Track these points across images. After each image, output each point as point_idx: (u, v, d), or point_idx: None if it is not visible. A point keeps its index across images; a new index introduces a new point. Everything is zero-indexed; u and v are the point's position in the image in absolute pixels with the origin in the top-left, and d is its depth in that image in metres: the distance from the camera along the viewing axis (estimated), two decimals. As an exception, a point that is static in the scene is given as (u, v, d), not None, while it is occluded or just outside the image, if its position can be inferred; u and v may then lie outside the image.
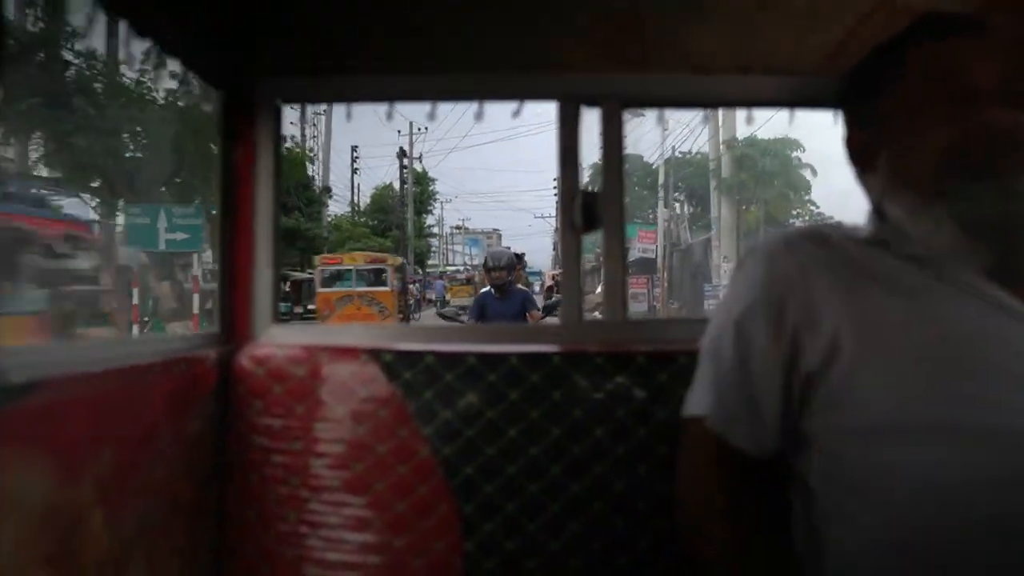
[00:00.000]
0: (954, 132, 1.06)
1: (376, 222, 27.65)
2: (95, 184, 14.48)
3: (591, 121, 1.66)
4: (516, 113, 1.67)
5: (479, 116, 1.67)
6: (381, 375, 1.49)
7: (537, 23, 1.62)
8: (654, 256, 26.78)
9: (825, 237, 1.16)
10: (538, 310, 5.83)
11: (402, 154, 29.06)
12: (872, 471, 1.06)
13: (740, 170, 24.79)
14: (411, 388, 1.49)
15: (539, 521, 1.46)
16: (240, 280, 1.62)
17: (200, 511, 1.43)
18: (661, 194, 28.21)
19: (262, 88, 1.63)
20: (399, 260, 20.96)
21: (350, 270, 18.77)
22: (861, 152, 1.19)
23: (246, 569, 1.49)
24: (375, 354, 1.50)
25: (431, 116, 1.66)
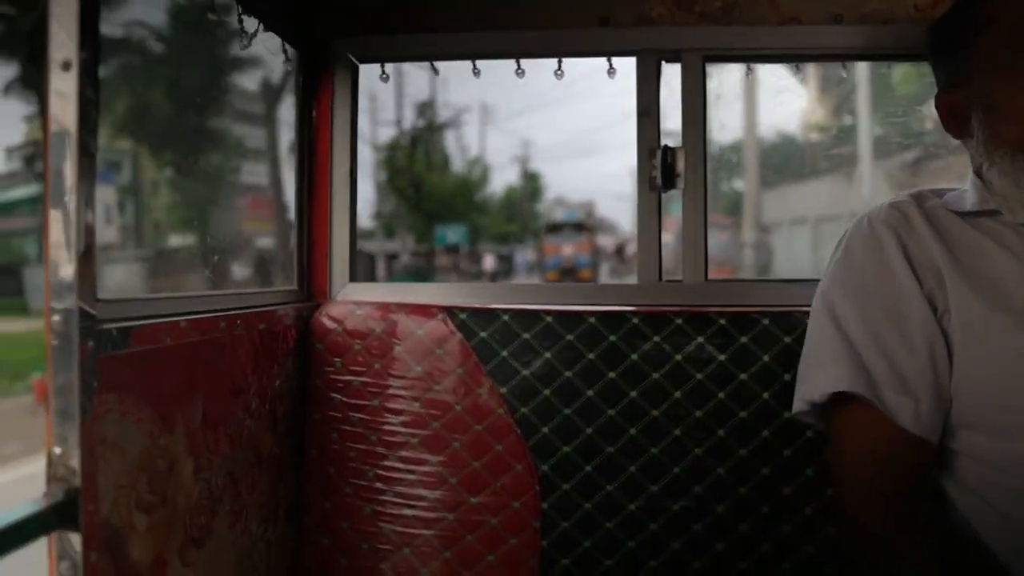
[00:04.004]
0: None
1: (506, 215, 36.05)
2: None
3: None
4: (611, 72, 1.63)
5: (559, 73, 1.63)
6: (457, 333, 1.49)
7: None
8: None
9: (933, 207, 1.09)
10: None
11: (523, 163, 37.06)
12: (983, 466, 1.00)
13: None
14: (487, 346, 1.48)
15: (617, 483, 1.45)
16: (318, 238, 1.63)
17: (281, 465, 1.46)
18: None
19: (338, 47, 1.62)
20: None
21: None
22: (951, 115, 1.10)
23: (325, 523, 1.52)
24: (451, 312, 1.50)
25: (520, 73, 1.63)
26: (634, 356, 1.45)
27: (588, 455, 1.45)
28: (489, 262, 27.43)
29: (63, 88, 0.88)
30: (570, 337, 1.47)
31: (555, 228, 25.06)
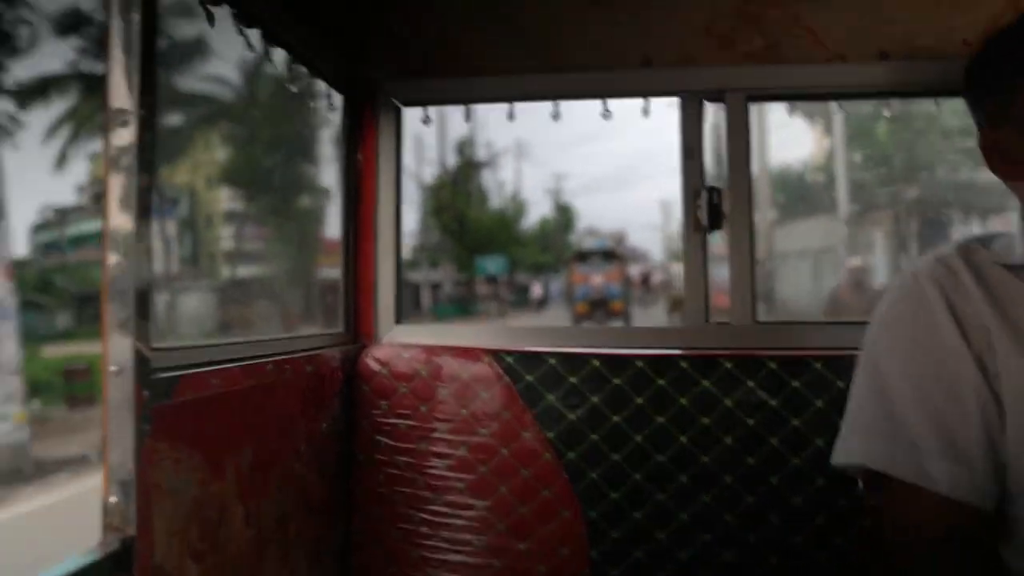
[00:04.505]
0: None
1: (540, 246, 37.96)
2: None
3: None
4: (645, 112, 1.62)
5: (607, 114, 1.63)
6: (504, 377, 1.48)
7: (658, 17, 1.57)
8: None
9: (981, 261, 1.02)
10: None
11: (556, 196, 39.75)
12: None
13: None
14: (534, 390, 1.47)
15: (668, 530, 1.42)
16: (363, 281, 1.64)
17: (329, 508, 1.46)
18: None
19: (383, 91, 1.65)
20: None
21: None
22: (994, 155, 1.03)
23: (372, 566, 1.51)
24: (497, 355, 1.49)
25: (555, 116, 1.64)
26: (683, 400, 1.43)
27: (637, 502, 1.43)
28: (536, 290, 30.69)
29: (121, 140, 0.91)
30: (617, 381, 1.45)
31: (584, 257, 23.13)
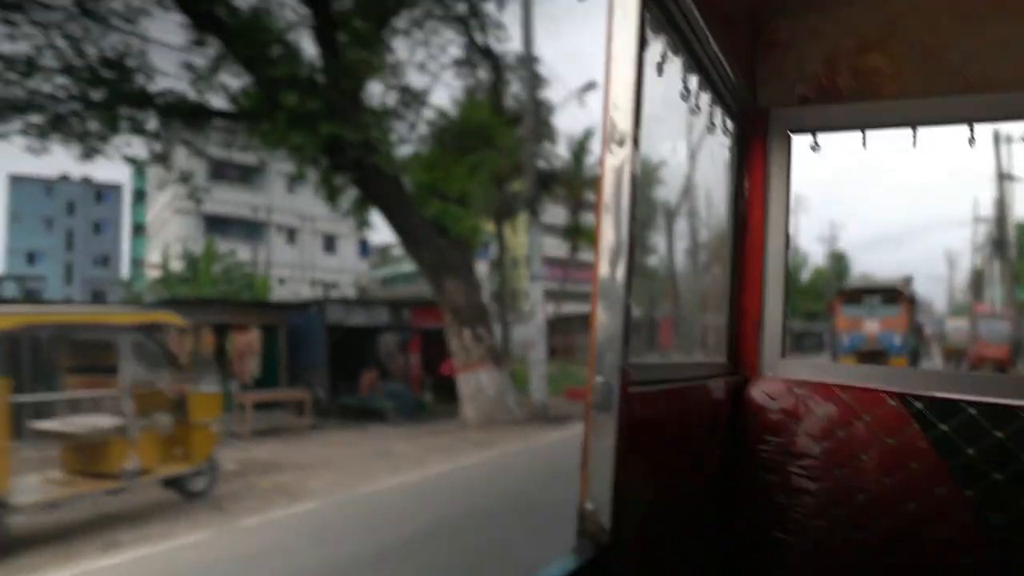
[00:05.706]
0: None
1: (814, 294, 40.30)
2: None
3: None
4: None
5: (1008, 141, 1.47)
6: (913, 423, 1.36)
7: None
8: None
9: None
10: None
11: (830, 244, 42.38)
12: None
13: None
14: (949, 442, 1.33)
15: None
16: (749, 311, 1.60)
17: (714, 543, 1.43)
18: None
19: (774, 118, 1.61)
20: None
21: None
22: None
23: None
24: (904, 399, 1.38)
25: (971, 142, 1.50)
26: None
27: None
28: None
29: (617, 161, 0.97)
30: None
31: (854, 297, 18.05)
